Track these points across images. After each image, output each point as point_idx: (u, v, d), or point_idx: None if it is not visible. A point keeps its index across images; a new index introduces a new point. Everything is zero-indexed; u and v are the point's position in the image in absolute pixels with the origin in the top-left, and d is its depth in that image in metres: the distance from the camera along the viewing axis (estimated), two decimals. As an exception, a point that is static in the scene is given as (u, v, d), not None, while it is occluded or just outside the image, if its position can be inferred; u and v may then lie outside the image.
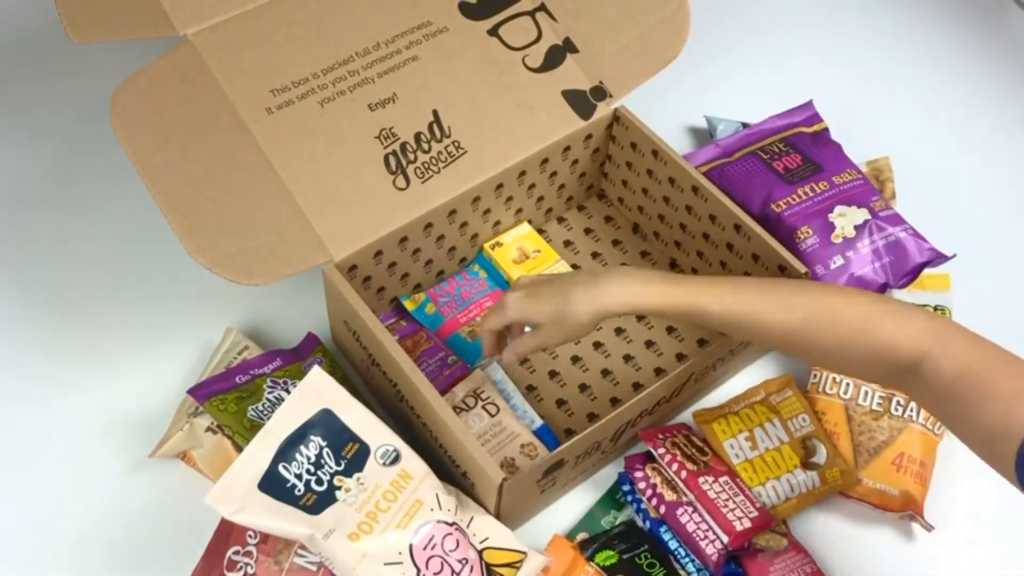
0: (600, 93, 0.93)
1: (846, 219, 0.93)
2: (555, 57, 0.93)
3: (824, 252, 0.92)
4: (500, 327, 0.78)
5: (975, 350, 0.65)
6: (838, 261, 0.91)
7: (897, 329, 0.67)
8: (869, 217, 0.93)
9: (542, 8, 0.94)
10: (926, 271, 0.99)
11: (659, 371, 0.92)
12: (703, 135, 1.13)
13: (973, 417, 0.62)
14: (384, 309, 0.94)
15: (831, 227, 0.93)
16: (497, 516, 0.76)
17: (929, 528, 0.84)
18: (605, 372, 0.92)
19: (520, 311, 0.76)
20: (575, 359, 0.93)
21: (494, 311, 0.78)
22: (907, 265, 0.92)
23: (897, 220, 0.94)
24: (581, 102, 0.92)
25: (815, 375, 0.90)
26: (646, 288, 0.72)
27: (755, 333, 0.71)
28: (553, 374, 0.92)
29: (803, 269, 0.85)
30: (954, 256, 0.92)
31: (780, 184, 0.97)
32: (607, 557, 0.80)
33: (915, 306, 0.69)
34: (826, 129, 1.04)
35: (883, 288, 0.92)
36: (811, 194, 0.95)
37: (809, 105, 1.05)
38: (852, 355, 0.68)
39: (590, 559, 0.80)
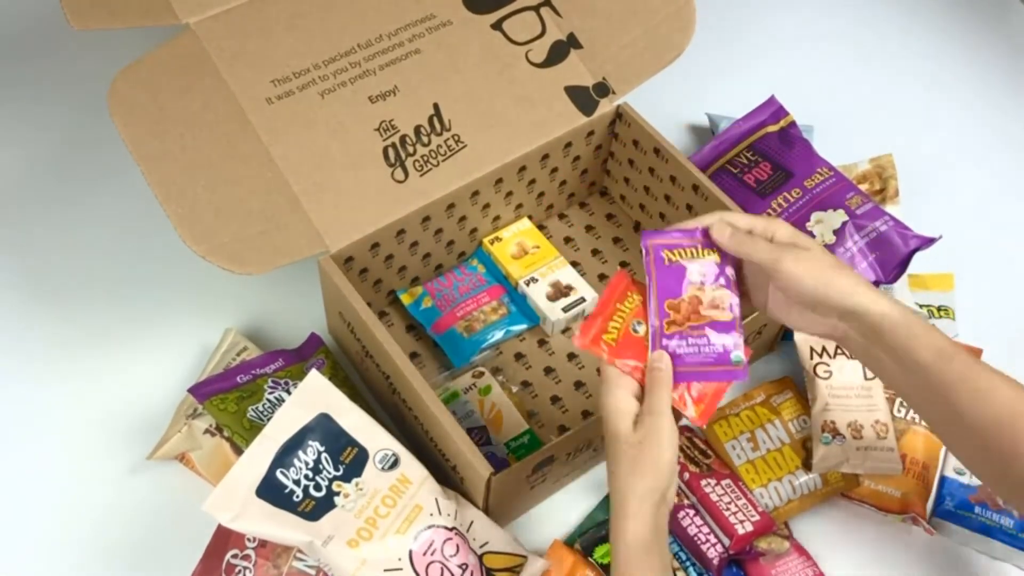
0: (603, 89, 0.93)
1: (824, 225, 0.93)
2: (558, 53, 0.93)
3: None
4: (748, 227, 0.68)
5: None
6: None
7: None
8: (847, 218, 0.93)
9: (547, 3, 0.94)
10: (929, 271, 0.98)
11: (656, 370, 0.92)
12: (704, 132, 1.12)
13: None
14: (381, 302, 0.94)
15: (811, 237, 0.92)
16: (486, 511, 0.76)
17: (932, 531, 0.83)
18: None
19: (791, 227, 0.68)
20: (571, 356, 0.93)
21: (760, 217, 0.69)
22: (895, 258, 0.91)
23: (877, 213, 0.93)
24: (584, 98, 0.92)
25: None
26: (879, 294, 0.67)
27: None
28: (548, 371, 0.92)
29: (803, 269, 0.84)
30: (940, 238, 0.91)
31: (754, 200, 0.96)
32: (606, 552, 0.80)
33: None
34: (793, 123, 1.03)
35: (875, 285, 0.91)
36: (785, 205, 0.95)
37: (772, 101, 1.04)
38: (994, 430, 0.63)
39: (589, 552, 0.80)
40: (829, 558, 0.83)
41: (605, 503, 0.85)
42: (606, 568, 0.79)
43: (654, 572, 0.63)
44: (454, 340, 0.91)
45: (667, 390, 0.65)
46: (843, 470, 0.84)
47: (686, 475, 0.82)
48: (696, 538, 0.80)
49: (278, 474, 0.72)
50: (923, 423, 0.87)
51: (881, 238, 0.92)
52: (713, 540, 0.79)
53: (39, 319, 0.95)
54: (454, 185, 0.86)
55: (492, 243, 0.97)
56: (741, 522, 0.79)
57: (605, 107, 0.92)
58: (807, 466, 0.84)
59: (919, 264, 0.95)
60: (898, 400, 0.87)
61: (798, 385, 0.91)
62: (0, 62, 1.15)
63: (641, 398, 0.66)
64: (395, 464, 0.75)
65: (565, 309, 0.92)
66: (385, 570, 0.71)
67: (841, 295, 0.66)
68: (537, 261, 0.96)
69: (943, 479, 0.86)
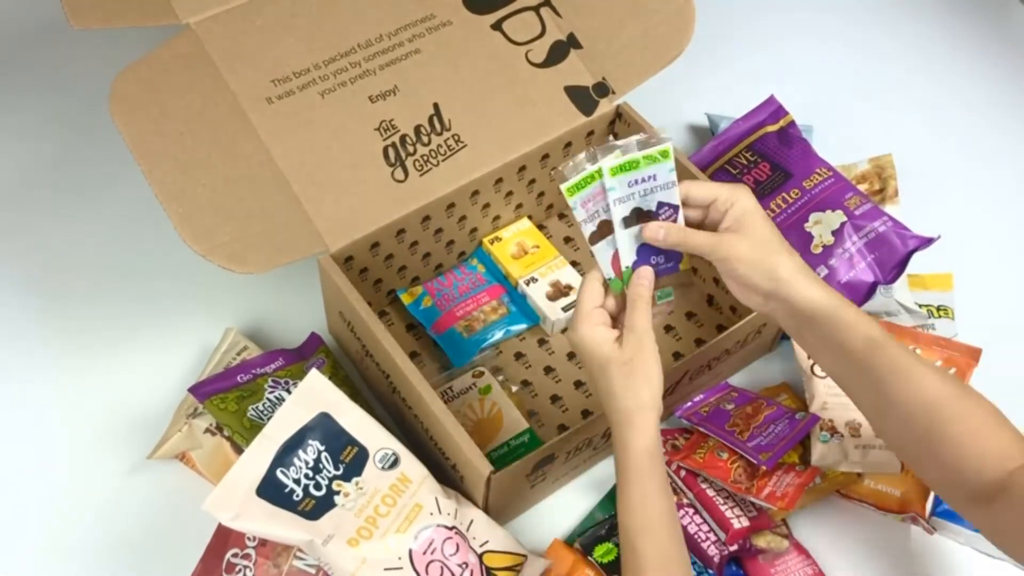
0: (602, 89, 0.93)
1: (822, 226, 0.93)
2: (558, 53, 0.93)
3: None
4: (711, 197, 0.70)
5: None
6: (822, 272, 0.91)
7: (986, 428, 0.65)
8: (845, 219, 0.93)
9: (547, 4, 0.94)
10: (929, 270, 0.98)
11: (656, 369, 0.92)
12: (704, 133, 1.13)
13: None
14: (381, 301, 0.94)
15: (809, 238, 0.93)
16: (486, 510, 0.76)
17: (931, 531, 0.83)
18: (601, 369, 0.92)
19: (749, 200, 0.69)
20: (571, 355, 0.93)
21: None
22: (893, 258, 0.91)
23: (875, 214, 0.93)
24: (583, 98, 0.92)
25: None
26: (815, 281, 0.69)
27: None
28: (548, 370, 0.92)
29: (802, 269, 0.84)
30: (939, 238, 0.91)
31: None
32: (605, 552, 0.80)
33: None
34: (792, 122, 1.03)
35: (873, 286, 0.91)
36: (784, 205, 0.95)
37: (772, 100, 1.05)
38: (924, 441, 0.65)
39: (588, 551, 0.80)
40: (829, 557, 0.83)
41: (605, 502, 0.85)
42: (606, 567, 0.79)
43: (662, 476, 0.68)
44: (454, 340, 0.91)
45: (648, 306, 0.69)
46: (842, 468, 0.84)
47: (683, 472, 0.82)
48: (696, 536, 0.80)
49: (278, 473, 0.72)
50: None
51: (880, 238, 0.92)
52: (712, 538, 0.79)
53: (39, 319, 0.95)
54: (454, 185, 0.86)
55: (492, 243, 0.97)
56: (737, 517, 0.79)
57: (605, 107, 0.93)
58: (805, 463, 0.85)
59: (919, 264, 0.95)
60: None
61: (795, 391, 0.91)
62: (1, 61, 1.15)
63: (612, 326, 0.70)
64: (395, 463, 0.75)
65: (565, 309, 0.92)
66: (385, 569, 0.71)
67: (769, 282, 0.68)
68: (537, 261, 0.96)
69: (942, 479, 0.86)
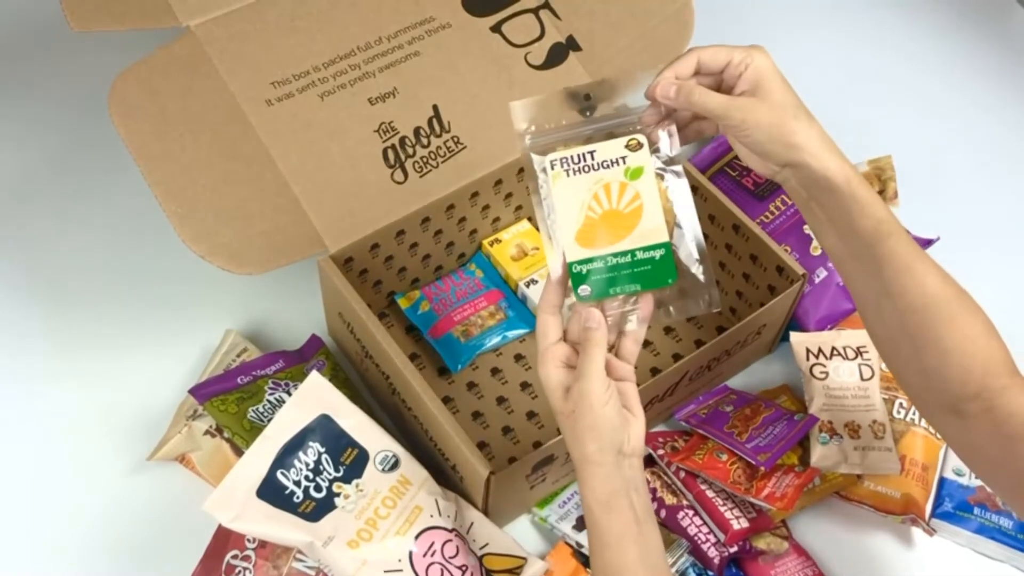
0: (602, 91, 0.93)
1: None
2: (557, 55, 0.93)
3: (806, 267, 0.91)
4: (725, 61, 0.66)
5: None
6: (821, 274, 0.91)
7: (978, 337, 0.64)
8: None
9: (546, 6, 0.94)
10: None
11: (655, 371, 0.92)
12: (704, 135, 1.13)
13: None
14: (380, 303, 0.94)
15: (808, 240, 0.93)
16: (485, 511, 0.76)
17: (931, 532, 0.83)
18: (601, 371, 0.92)
19: (765, 61, 0.67)
20: (571, 357, 0.93)
21: None
22: None
23: None
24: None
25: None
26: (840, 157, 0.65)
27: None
28: (548, 371, 0.92)
29: (801, 271, 0.84)
30: (938, 239, 0.91)
31: (751, 202, 0.97)
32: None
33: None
34: None
35: None
36: (783, 207, 0.96)
37: None
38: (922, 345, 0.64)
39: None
40: (828, 559, 0.83)
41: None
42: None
43: (619, 527, 0.63)
44: (451, 344, 0.91)
45: (599, 350, 0.63)
46: (841, 470, 0.84)
47: (682, 474, 0.82)
48: (696, 538, 0.80)
49: (278, 475, 0.72)
50: (922, 425, 0.87)
51: (878, 238, 0.92)
52: (713, 539, 0.79)
53: (39, 320, 0.95)
54: (453, 186, 0.86)
55: (492, 244, 0.97)
56: (737, 518, 0.79)
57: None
58: (805, 464, 0.85)
59: (917, 265, 0.95)
60: (897, 401, 0.87)
61: (795, 393, 0.91)
62: (0, 63, 1.15)
63: (574, 366, 0.64)
64: (395, 465, 0.75)
65: (564, 310, 0.92)
66: (385, 571, 0.71)
67: (785, 149, 0.64)
68: (537, 263, 0.96)
69: (942, 480, 0.86)
